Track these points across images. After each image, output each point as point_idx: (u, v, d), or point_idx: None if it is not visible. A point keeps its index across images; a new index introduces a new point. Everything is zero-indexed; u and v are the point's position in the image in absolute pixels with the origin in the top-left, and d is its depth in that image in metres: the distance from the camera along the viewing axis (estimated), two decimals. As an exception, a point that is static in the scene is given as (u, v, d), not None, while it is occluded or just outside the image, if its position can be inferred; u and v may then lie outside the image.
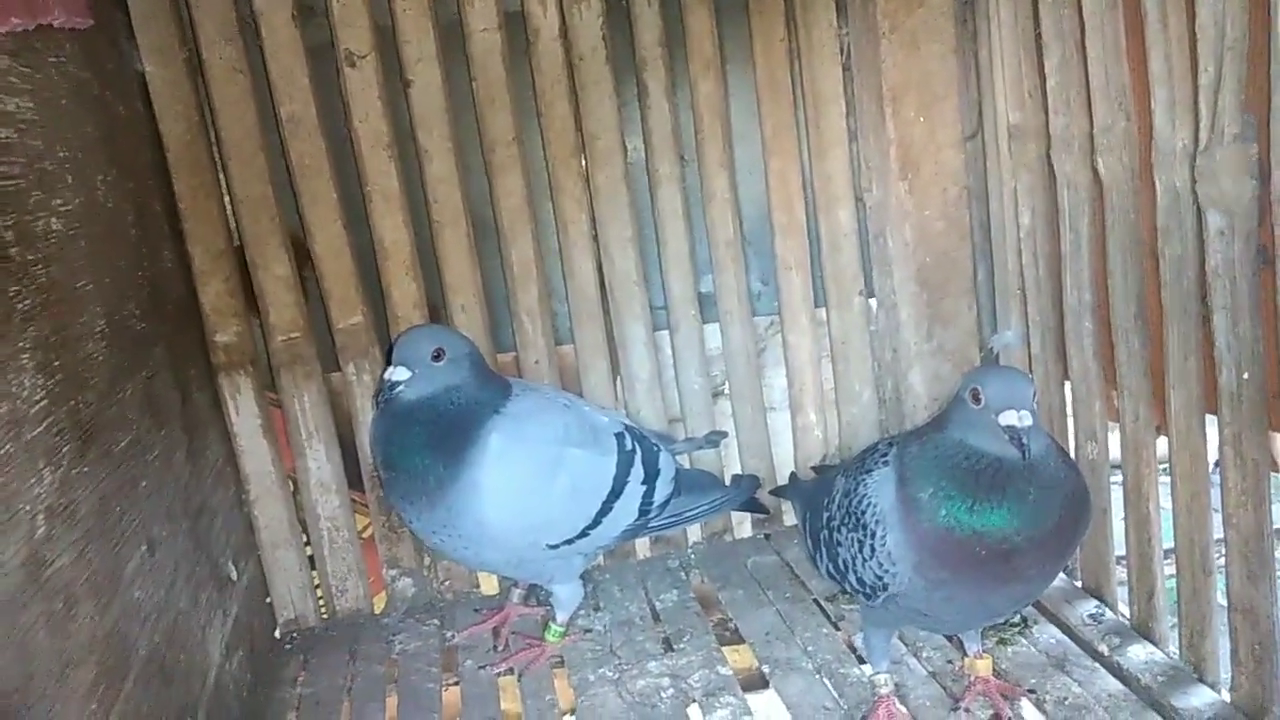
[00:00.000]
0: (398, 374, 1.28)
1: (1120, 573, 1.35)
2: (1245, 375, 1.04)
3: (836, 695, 1.27)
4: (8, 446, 0.87)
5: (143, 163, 1.43)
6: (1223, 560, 1.12)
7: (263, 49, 1.45)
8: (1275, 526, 1.05)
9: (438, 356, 1.29)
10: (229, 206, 1.51)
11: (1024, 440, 0.98)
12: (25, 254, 0.97)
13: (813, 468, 1.60)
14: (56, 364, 1.00)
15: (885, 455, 1.12)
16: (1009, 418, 0.98)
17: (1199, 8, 1.01)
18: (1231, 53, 0.99)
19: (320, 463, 1.59)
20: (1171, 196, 1.10)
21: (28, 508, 0.89)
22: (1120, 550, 1.33)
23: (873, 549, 1.07)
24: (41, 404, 0.95)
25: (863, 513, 1.09)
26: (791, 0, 1.54)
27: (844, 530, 1.13)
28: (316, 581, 1.63)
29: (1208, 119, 1.03)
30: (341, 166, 1.52)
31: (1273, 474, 1.05)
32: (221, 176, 1.50)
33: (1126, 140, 1.17)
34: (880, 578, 1.08)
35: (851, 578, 1.13)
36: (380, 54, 1.48)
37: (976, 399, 1.02)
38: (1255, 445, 1.05)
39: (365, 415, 1.56)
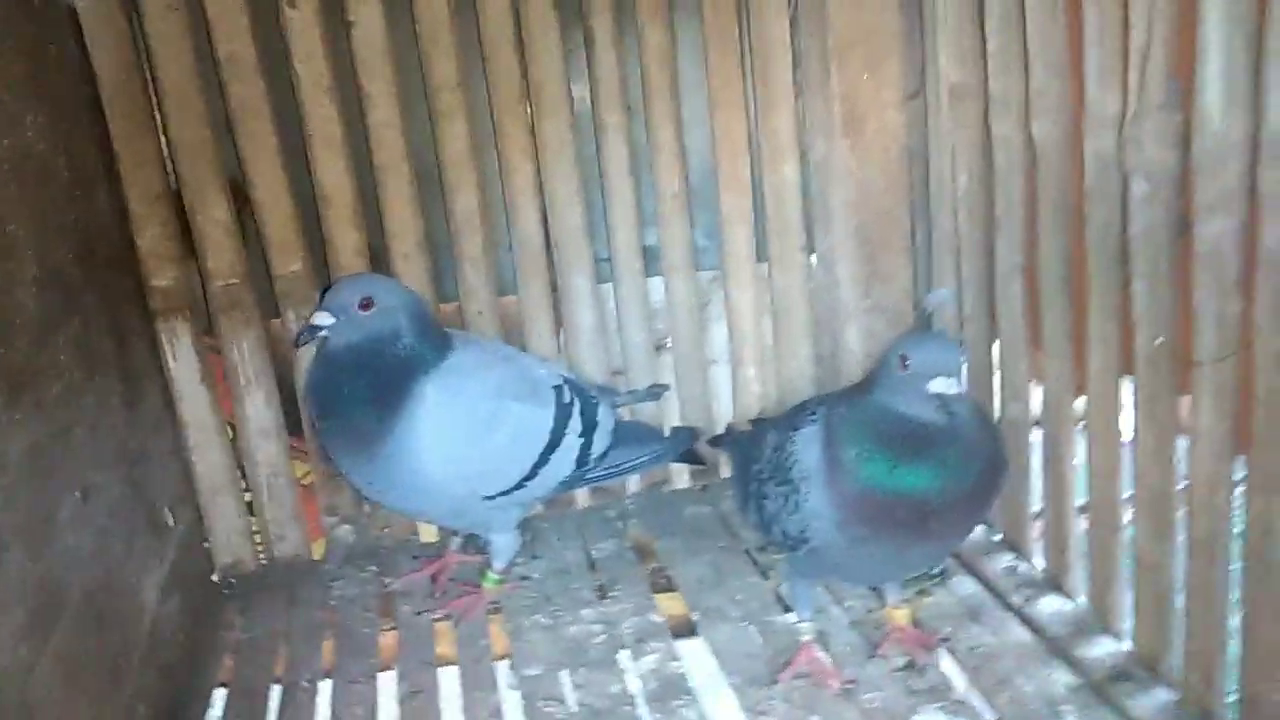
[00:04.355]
0: (319, 318, 1.29)
1: (1038, 527, 1.40)
2: (1159, 340, 1.07)
3: (761, 642, 1.32)
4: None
5: (75, 103, 1.39)
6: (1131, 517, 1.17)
7: (199, -14, 1.42)
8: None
9: (366, 305, 1.29)
10: (166, 149, 1.48)
11: (950, 408, 1.01)
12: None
13: (750, 421, 1.63)
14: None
15: (814, 413, 1.15)
16: (938, 385, 1.01)
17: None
18: (1160, 21, 1.01)
19: (259, 409, 1.58)
20: (1100, 162, 1.12)
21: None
22: (1039, 506, 1.38)
23: (797, 504, 1.11)
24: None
25: (789, 469, 1.12)
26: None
27: (771, 484, 1.16)
28: (255, 528, 1.64)
29: (1136, 86, 1.05)
30: (282, 110, 1.49)
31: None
32: (158, 118, 1.47)
33: (1060, 104, 1.19)
34: (803, 531, 1.11)
35: (776, 530, 1.16)
36: (321, -10, 1.45)
37: (905, 364, 1.04)
38: (1166, 408, 1.09)
39: (305, 362, 1.56)
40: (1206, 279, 0.99)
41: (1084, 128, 1.14)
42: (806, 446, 1.12)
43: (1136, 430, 1.13)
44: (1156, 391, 1.09)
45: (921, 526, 1.06)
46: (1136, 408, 1.12)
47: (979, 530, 1.51)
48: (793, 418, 1.18)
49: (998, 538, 1.49)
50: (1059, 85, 1.18)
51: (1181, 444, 1.08)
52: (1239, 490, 1.01)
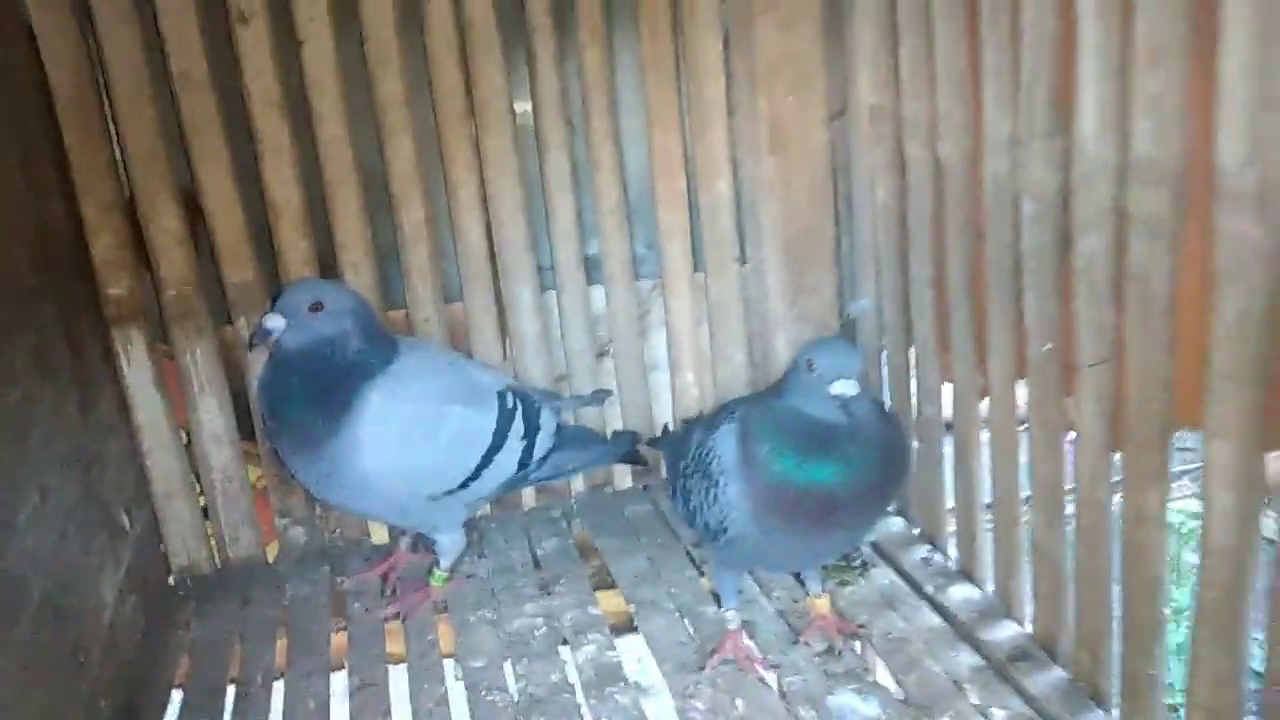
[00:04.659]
0: (270, 321, 1.35)
1: (952, 521, 1.50)
2: (1047, 347, 1.17)
3: (693, 631, 1.40)
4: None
5: (31, 115, 1.43)
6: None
7: (153, 2, 1.47)
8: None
9: (315, 309, 1.36)
10: (120, 160, 1.53)
11: (850, 408, 1.10)
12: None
13: (682, 421, 1.71)
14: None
15: (732, 413, 1.23)
16: (838, 387, 1.10)
17: (1022, 11, 1.12)
18: (1044, 55, 1.10)
19: (212, 415, 1.63)
20: (995, 183, 1.22)
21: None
22: (952, 502, 1.48)
23: (716, 496, 1.19)
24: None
25: (709, 464, 1.21)
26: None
27: (695, 478, 1.24)
28: (209, 530, 1.69)
29: (1025, 113, 1.15)
30: (233, 122, 1.54)
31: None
32: (112, 128, 1.52)
33: (963, 128, 1.28)
34: (721, 522, 1.20)
35: (700, 521, 1.25)
36: (272, 12, 1.51)
37: (811, 368, 1.13)
38: (1054, 409, 1.19)
39: (257, 368, 1.61)
40: (1084, 291, 1.09)
41: (982, 150, 1.23)
42: (724, 444, 1.20)
43: (1029, 429, 1.23)
44: (1046, 394, 1.19)
45: (828, 516, 1.15)
46: (1029, 409, 1.22)
47: (899, 524, 1.61)
48: (714, 418, 1.27)
49: (916, 531, 1.58)
50: (961, 110, 1.28)
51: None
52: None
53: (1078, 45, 1.04)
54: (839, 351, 1.13)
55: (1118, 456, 1.10)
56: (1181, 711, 1.04)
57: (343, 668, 1.44)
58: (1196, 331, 0.96)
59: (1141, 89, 0.97)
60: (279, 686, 1.41)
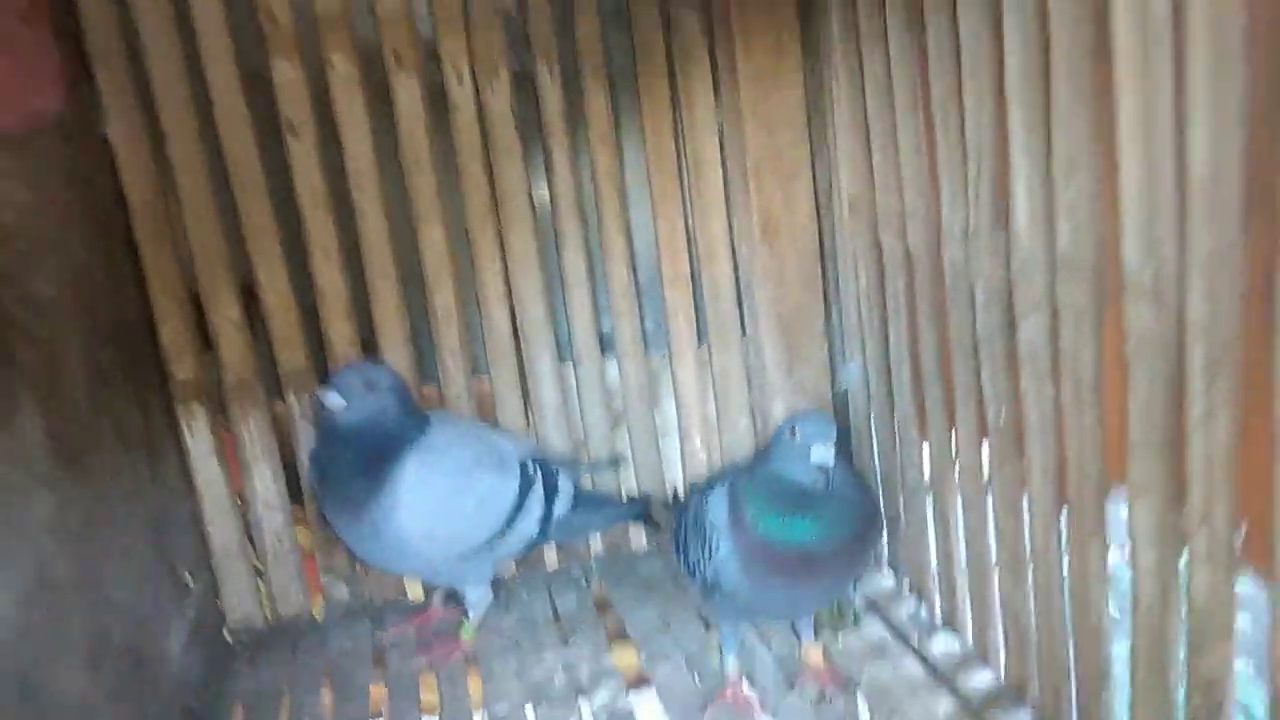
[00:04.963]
0: (331, 400, 1.52)
1: (936, 576, 1.62)
2: (1001, 415, 1.31)
3: (698, 680, 1.53)
4: (18, 478, 1.10)
5: (110, 219, 1.64)
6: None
7: (214, 118, 1.67)
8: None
9: (368, 388, 1.53)
10: (186, 255, 1.73)
11: (827, 472, 1.24)
12: (26, 317, 1.20)
13: (691, 485, 1.86)
14: (51, 405, 1.23)
15: (723, 479, 1.38)
16: (817, 453, 1.24)
17: (966, 119, 1.28)
18: (987, 155, 1.25)
19: (265, 482, 1.81)
20: (954, 270, 1.37)
21: (35, 527, 1.12)
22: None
23: (710, 553, 1.33)
24: (40, 440, 1.18)
25: (704, 525, 1.35)
26: (676, 84, 1.79)
27: (692, 537, 1.39)
28: (261, 588, 1.85)
29: (974, 208, 1.30)
30: (285, 221, 1.74)
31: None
32: (179, 229, 1.72)
33: (926, 221, 1.43)
34: (716, 575, 1.34)
35: (698, 576, 1.39)
36: (318, 122, 1.71)
37: (793, 435, 1.28)
38: (1012, 471, 1.32)
39: (305, 440, 1.79)
40: (1027, 368, 1.23)
41: (941, 241, 1.39)
42: (717, 506, 1.35)
43: (991, 491, 1.36)
44: (1004, 457, 1.32)
45: (809, 570, 1.28)
46: (990, 472, 1.35)
47: (890, 579, 1.73)
48: (709, 483, 1.42)
49: (905, 585, 1.70)
50: (924, 205, 1.43)
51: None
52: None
53: (1010, 152, 1.20)
54: (818, 422, 1.28)
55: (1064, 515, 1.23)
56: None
57: (381, 715, 1.58)
58: (1121, 403, 1.10)
59: (1062, 194, 1.12)
60: (324, 733, 1.56)
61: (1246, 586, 1.00)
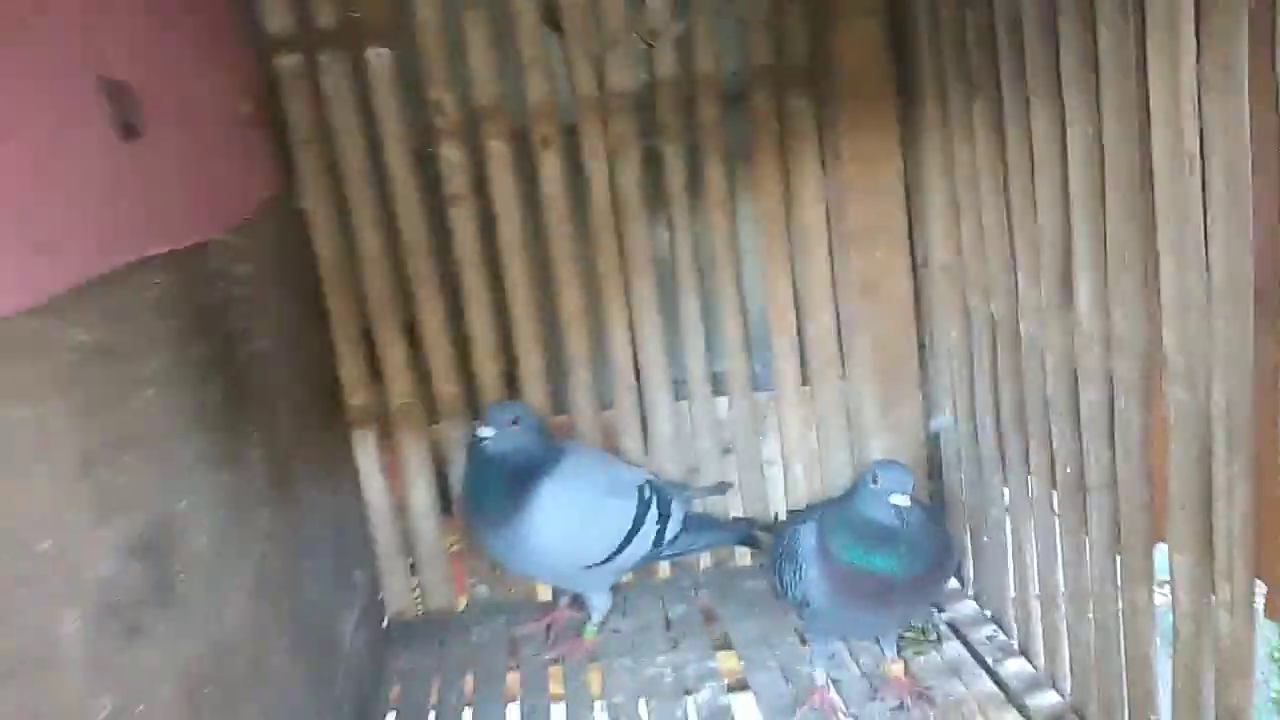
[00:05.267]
0: (485, 432, 1.79)
1: (1013, 605, 1.79)
2: (1069, 469, 1.48)
3: (790, 685, 1.74)
4: (247, 497, 1.40)
5: (305, 276, 1.97)
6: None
7: (390, 191, 1.98)
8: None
9: (514, 423, 1.81)
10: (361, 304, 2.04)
11: (903, 515, 1.45)
12: (251, 368, 1.51)
13: (789, 511, 2.07)
14: (268, 437, 1.53)
15: (814, 513, 1.60)
16: (895, 499, 1.45)
17: (1039, 211, 1.46)
18: (1056, 245, 1.44)
19: (421, 495, 2.10)
20: (1029, 339, 1.54)
21: (258, 535, 1.42)
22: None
23: (800, 576, 1.55)
24: (261, 467, 1.48)
25: (796, 552, 1.57)
26: (787, 159, 2.01)
27: (785, 562, 1.61)
28: (415, 585, 2.15)
29: (1044, 287, 1.48)
30: (444, 275, 2.03)
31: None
32: (357, 282, 2.03)
33: (1007, 291, 1.60)
34: (805, 595, 1.56)
35: (791, 594, 1.61)
36: (474, 193, 2.00)
37: (875, 481, 1.49)
38: (1075, 516, 1.49)
39: (457, 459, 2.08)
40: (1088, 431, 1.40)
41: (1019, 310, 1.57)
42: (807, 536, 1.57)
43: (1059, 532, 1.53)
44: (1070, 505, 1.49)
45: (886, 597, 1.49)
46: (1059, 516, 1.53)
47: (972, 606, 1.91)
48: (801, 515, 1.63)
49: (986, 612, 1.87)
50: (1006, 276, 1.61)
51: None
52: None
53: (1074, 242, 1.38)
54: (897, 471, 1.48)
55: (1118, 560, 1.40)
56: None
57: (516, 699, 1.85)
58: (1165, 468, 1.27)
59: (1115, 285, 1.30)
60: (468, 712, 1.83)
61: (1269, 632, 1.16)
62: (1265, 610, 1.14)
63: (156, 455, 1.13)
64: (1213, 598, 1.19)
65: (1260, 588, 1.14)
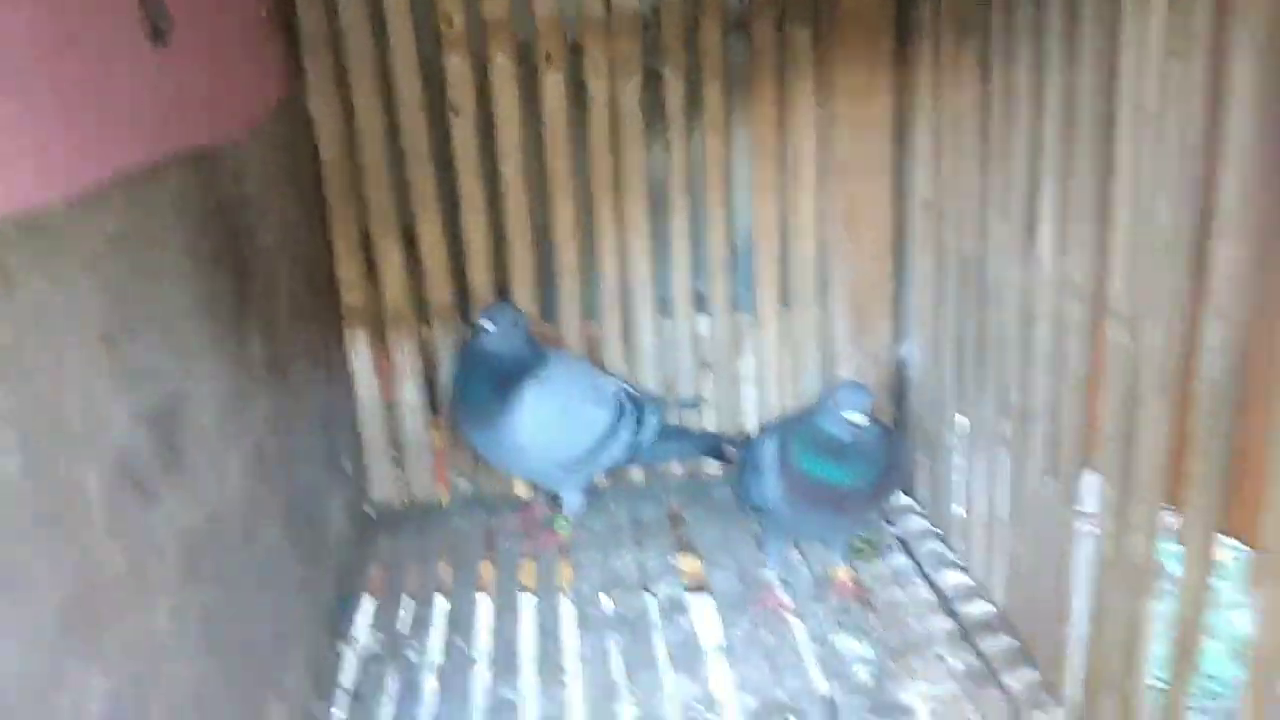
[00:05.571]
0: (489, 325, 1.89)
1: (956, 522, 1.92)
2: (1016, 399, 1.59)
3: (744, 584, 1.88)
4: (247, 383, 1.50)
5: (306, 177, 2.03)
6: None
7: (394, 98, 2.04)
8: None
9: (512, 324, 1.91)
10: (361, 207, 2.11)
11: (858, 431, 1.56)
12: (255, 263, 1.59)
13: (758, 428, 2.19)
14: (268, 329, 1.62)
15: (776, 426, 1.72)
16: (851, 416, 1.56)
17: (1012, 159, 1.54)
18: (1023, 191, 1.52)
19: (410, 393, 2.21)
20: (993, 275, 1.64)
21: (256, 419, 1.52)
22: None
23: (759, 481, 1.68)
24: (261, 355, 1.58)
25: (759, 460, 1.70)
26: (783, 89, 2.06)
27: (748, 468, 1.74)
28: (400, 477, 2.27)
29: (1013, 229, 1.57)
30: (443, 183, 2.10)
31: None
32: (358, 185, 2.10)
33: (979, 230, 1.69)
34: (764, 500, 1.69)
35: (751, 497, 1.74)
36: (477, 105, 2.06)
37: (835, 399, 1.60)
38: (1019, 442, 1.60)
39: (445, 362, 2.18)
40: (1037, 366, 1.51)
41: (987, 249, 1.66)
42: (769, 445, 1.70)
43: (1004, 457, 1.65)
44: (1015, 432, 1.61)
45: (835, 503, 1.63)
46: (1005, 442, 1.65)
47: (922, 523, 2.04)
48: (765, 428, 1.75)
49: (936, 529, 2.00)
50: (978, 216, 1.69)
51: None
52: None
53: (1041, 192, 1.46)
54: (856, 391, 1.60)
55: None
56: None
57: (490, 589, 1.98)
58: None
59: (1074, 233, 1.39)
60: (439, 598, 1.95)
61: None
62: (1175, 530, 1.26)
63: (169, 337, 1.22)
64: (1130, 518, 1.31)
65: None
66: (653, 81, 2.07)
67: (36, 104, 0.94)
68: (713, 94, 2.07)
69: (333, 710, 1.63)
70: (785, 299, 2.22)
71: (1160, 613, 1.29)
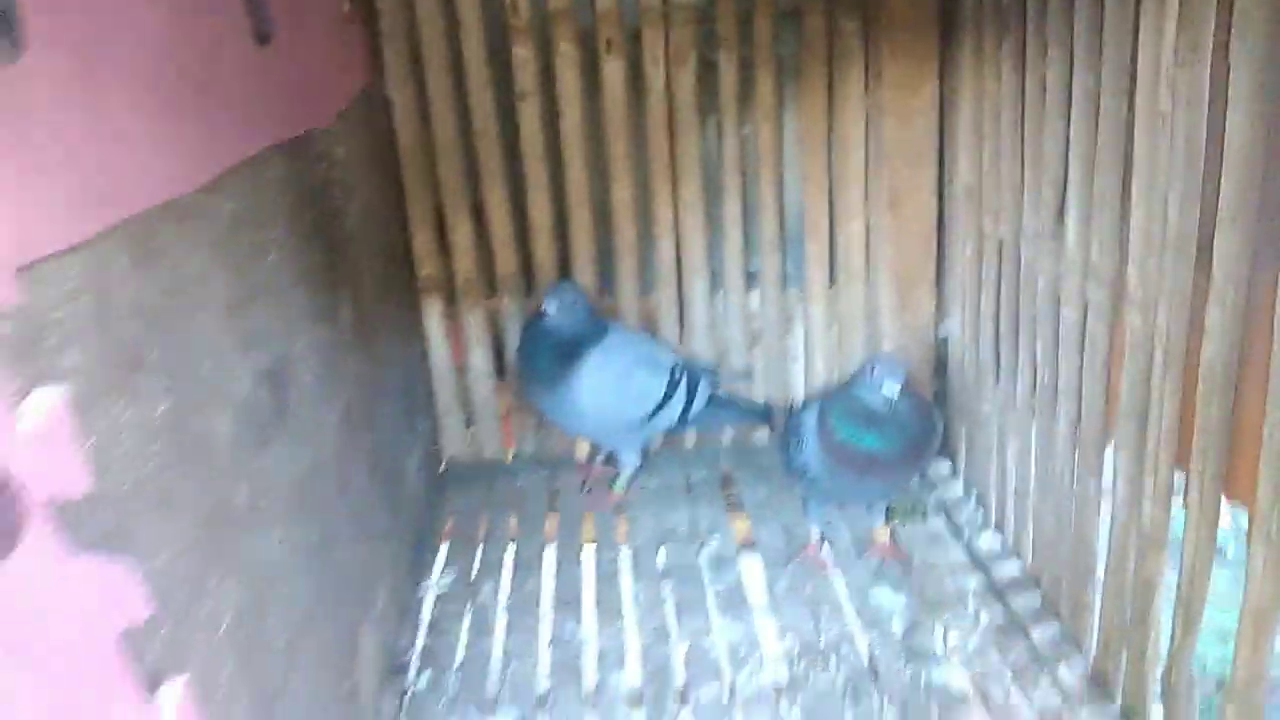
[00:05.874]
0: (549, 307, 2.05)
1: (995, 486, 2.03)
2: (1045, 376, 1.70)
3: (787, 540, 2.02)
4: (340, 348, 1.67)
5: (386, 159, 2.20)
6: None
7: (465, 84, 2.19)
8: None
9: (572, 303, 2.06)
10: (434, 185, 2.27)
11: (892, 402, 1.69)
12: (343, 244, 1.75)
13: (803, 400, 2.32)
14: (355, 298, 1.79)
15: (816, 398, 1.85)
16: (886, 388, 1.69)
17: (1044, 150, 1.64)
18: (1054, 182, 1.62)
19: (479, 359, 2.37)
20: (1026, 260, 1.74)
21: (346, 379, 1.70)
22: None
23: (801, 449, 1.81)
24: (350, 323, 1.75)
25: (800, 428, 1.83)
26: (832, 79, 2.17)
27: (792, 436, 1.87)
28: (470, 436, 2.45)
29: (1044, 217, 1.67)
30: (510, 164, 2.25)
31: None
32: (432, 166, 2.26)
33: (1014, 217, 1.80)
34: (805, 465, 1.82)
35: (794, 464, 1.87)
36: (542, 91, 2.20)
37: (872, 372, 1.72)
38: (1047, 415, 1.71)
39: (511, 329, 2.34)
40: (1064, 345, 1.62)
41: (1021, 235, 1.76)
42: (809, 416, 1.83)
43: (1034, 429, 1.76)
44: (1044, 407, 1.72)
45: (872, 469, 1.76)
46: (1034, 415, 1.75)
47: (960, 488, 2.16)
48: (807, 400, 1.88)
49: (973, 494, 2.12)
50: (1014, 203, 1.79)
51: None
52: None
53: (1069, 182, 1.56)
54: (892, 365, 1.72)
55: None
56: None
57: (554, 540, 2.15)
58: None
59: (1096, 223, 1.49)
60: (511, 547, 2.14)
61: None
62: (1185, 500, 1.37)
63: (277, 306, 1.39)
64: (1144, 486, 1.42)
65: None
66: (708, 70, 2.19)
67: (176, 103, 1.10)
68: (764, 82, 2.18)
69: (416, 638, 1.81)
70: (832, 277, 2.33)
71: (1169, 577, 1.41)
